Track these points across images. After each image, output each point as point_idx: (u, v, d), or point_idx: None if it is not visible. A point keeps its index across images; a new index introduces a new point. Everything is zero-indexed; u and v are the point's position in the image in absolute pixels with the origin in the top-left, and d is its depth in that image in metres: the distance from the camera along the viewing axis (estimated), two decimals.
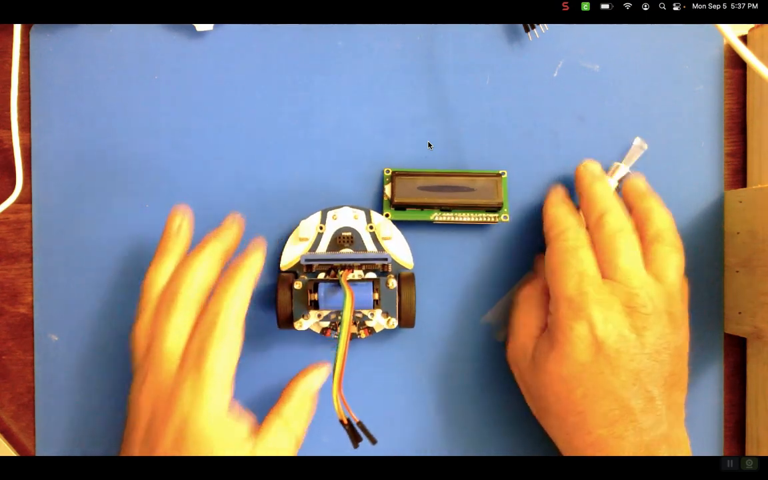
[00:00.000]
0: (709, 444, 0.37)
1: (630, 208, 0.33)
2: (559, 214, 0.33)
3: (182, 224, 0.32)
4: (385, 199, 0.36)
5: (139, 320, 0.30)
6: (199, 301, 0.30)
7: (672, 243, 0.31)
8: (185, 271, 0.30)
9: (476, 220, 0.36)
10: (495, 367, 0.37)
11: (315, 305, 0.33)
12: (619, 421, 0.28)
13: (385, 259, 0.33)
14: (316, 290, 0.33)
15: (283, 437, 0.30)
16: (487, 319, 0.37)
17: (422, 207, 0.36)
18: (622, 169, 0.36)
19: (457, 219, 0.36)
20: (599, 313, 0.29)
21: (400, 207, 0.36)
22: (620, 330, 0.29)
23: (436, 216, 0.36)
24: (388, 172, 0.36)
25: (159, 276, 0.31)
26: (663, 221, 0.32)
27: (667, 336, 0.29)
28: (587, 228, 0.32)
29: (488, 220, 0.36)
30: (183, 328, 0.29)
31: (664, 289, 0.30)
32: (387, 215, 0.36)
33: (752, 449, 0.37)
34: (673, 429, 0.29)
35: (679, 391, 0.30)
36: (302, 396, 0.31)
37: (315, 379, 0.32)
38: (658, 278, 0.30)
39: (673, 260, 0.31)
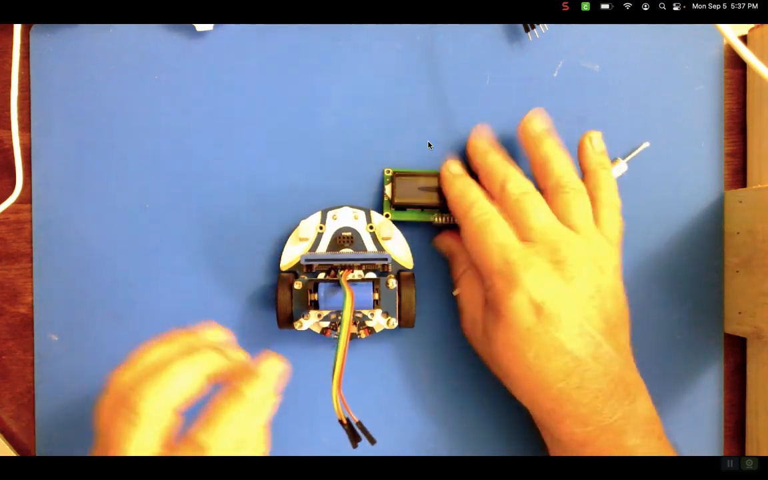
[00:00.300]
0: (709, 444, 0.37)
1: (528, 156, 0.34)
2: (460, 190, 0.33)
3: (218, 347, 0.29)
4: (385, 199, 0.36)
5: (106, 396, 0.27)
6: (168, 418, 0.26)
7: (573, 188, 0.32)
8: (160, 377, 0.26)
9: None
10: None
11: (315, 305, 0.33)
12: (574, 371, 0.29)
13: (385, 259, 0.33)
14: (316, 290, 0.33)
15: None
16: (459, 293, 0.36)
17: (422, 207, 0.36)
18: (622, 165, 0.36)
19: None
20: (530, 277, 0.29)
21: (401, 207, 0.36)
22: (553, 286, 0.29)
23: (437, 217, 0.36)
24: (388, 172, 0.36)
25: (147, 358, 0.27)
26: (560, 167, 0.32)
27: (595, 278, 0.30)
28: (493, 198, 0.33)
29: None
30: (147, 443, 0.25)
31: (580, 234, 0.31)
32: (387, 215, 0.36)
33: (752, 449, 0.37)
34: (625, 369, 0.30)
35: (622, 332, 0.31)
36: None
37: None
38: (571, 227, 0.31)
39: (578, 205, 0.31)
